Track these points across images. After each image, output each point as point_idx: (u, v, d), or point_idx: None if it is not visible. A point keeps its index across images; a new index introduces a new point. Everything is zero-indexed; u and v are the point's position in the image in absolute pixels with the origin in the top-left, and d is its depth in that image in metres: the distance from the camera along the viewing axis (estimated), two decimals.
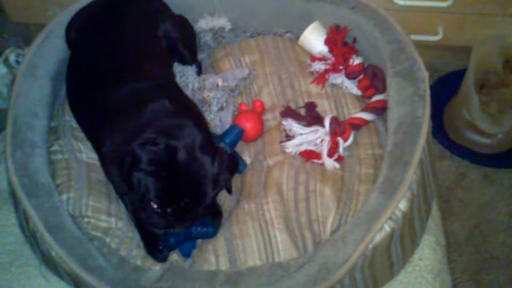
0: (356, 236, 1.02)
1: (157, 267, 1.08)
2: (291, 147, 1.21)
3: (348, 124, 1.21)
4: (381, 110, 1.25)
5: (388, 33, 1.27)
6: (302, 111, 1.27)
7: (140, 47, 1.23)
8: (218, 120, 1.27)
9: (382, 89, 1.27)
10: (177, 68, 1.34)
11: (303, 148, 1.20)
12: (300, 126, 1.22)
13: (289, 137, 1.23)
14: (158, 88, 1.15)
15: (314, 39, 1.35)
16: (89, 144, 1.22)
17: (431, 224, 1.19)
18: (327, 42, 1.34)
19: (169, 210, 0.98)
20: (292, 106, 1.29)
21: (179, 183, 0.98)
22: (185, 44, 1.33)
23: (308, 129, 1.21)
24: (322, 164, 1.18)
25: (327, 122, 1.21)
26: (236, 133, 1.22)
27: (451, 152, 1.72)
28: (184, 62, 1.35)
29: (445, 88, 1.77)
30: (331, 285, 1.00)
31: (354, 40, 1.34)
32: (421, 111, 1.14)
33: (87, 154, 1.21)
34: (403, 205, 1.05)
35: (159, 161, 0.97)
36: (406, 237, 1.09)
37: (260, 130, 1.26)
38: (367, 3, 1.33)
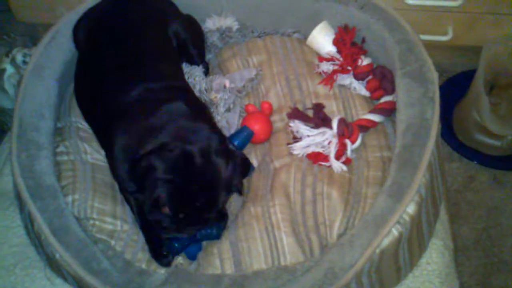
0: (364, 240, 1.01)
1: (162, 271, 1.08)
2: (298, 149, 1.20)
3: (356, 126, 1.20)
4: (389, 111, 1.24)
5: (397, 33, 1.26)
6: (310, 113, 1.26)
7: (152, 46, 1.23)
8: (225, 121, 1.26)
9: (391, 90, 1.26)
10: (185, 68, 1.34)
11: (310, 150, 1.20)
12: (308, 127, 1.22)
13: (296, 139, 1.22)
14: (172, 88, 1.15)
15: (322, 39, 1.34)
16: (94, 145, 1.21)
17: (439, 227, 1.18)
18: (336, 42, 1.33)
19: (181, 215, 0.98)
20: (300, 107, 1.28)
21: (192, 189, 0.98)
22: (194, 44, 1.33)
23: (315, 131, 1.21)
24: (329, 166, 1.17)
25: (335, 124, 1.20)
26: (245, 135, 1.22)
27: (460, 154, 1.71)
28: (192, 62, 1.34)
29: (454, 89, 1.76)
30: None
31: (363, 41, 1.33)
32: (430, 113, 1.13)
33: (92, 155, 1.20)
34: (411, 208, 1.04)
35: (176, 168, 0.97)
36: (414, 241, 1.08)
37: (269, 132, 1.26)
38: (376, 2, 1.32)
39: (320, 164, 1.18)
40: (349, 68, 1.29)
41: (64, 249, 1.02)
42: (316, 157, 1.18)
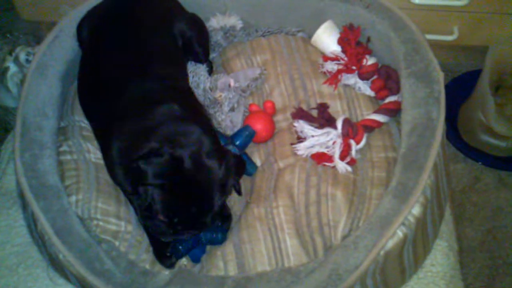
0: (368, 242, 1.00)
1: (165, 272, 1.07)
2: (303, 149, 1.19)
3: (361, 126, 1.19)
4: (394, 111, 1.23)
5: (403, 32, 1.25)
6: (314, 112, 1.26)
7: (156, 46, 1.22)
8: (229, 121, 1.26)
9: (396, 90, 1.25)
10: (189, 67, 1.33)
11: (314, 150, 1.19)
12: (312, 127, 1.21)
13: (300, 139, 1.21)
14: (169, 89, 1.13)
15: (327, 38, 1.33)
16: (97, 144, 1.20)
17: (444, 228, 1.18)
18: (340, 41, 1.32)
19: (176, 220, 0.97)
20: (304, 107, 1.27)
21: (185, 193, 0.97)
22: (199, 42, 1.32)
23: (320, 131, 1.20)
24: (334, 167, 1.17)
25: (339, 124, 1.19)
26: (246, 135, 1.21)
27: (465, 155, 1.70)
28: (197, 60, 1.34)
29: (459, 89, 1.75)
30: None
31: (368, 40, 1.32)
32: (436, 114, 1.12)
33: (96, 154, 1.20)
34: (416, 210, 1.03)
35: (164, 173, 0.96)
36: (419, 243, 1.07)
37: (271, 131, 1.25)
38: (382, 1, 1.31)
39: (325, 165, 1.17)
40: (354, 67, 1.28)
41: (67, 249, 1.01)
42: (321, 158, 1.17)
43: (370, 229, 1.02)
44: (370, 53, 1.31)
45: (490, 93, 1.58)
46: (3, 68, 1.64)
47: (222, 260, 1.07)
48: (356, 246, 1.01)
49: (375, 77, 1.28)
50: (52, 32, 1.29)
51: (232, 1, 1.42)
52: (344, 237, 1.07)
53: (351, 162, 1.17)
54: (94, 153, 1.20)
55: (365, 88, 1.29)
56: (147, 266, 1.07)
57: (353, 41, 1.30)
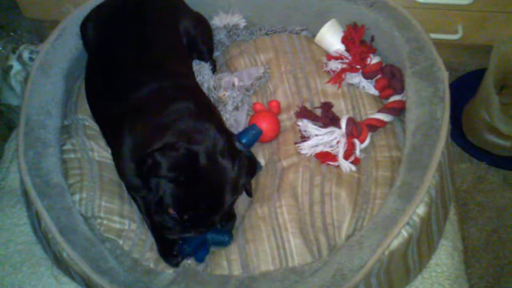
0: (373, 242, 1.00)
1: (169, 271, 1.07)
2: (307, 148, 1.19)
3: (365, 125, 1.19)
4: (398, 111, 1.22)
5: (407, 31, 1.24)
6: (318, 112, 1.25)
7: (164, 45, 1.22)
8: (234, 120, 1.25)
9: (400, 90, 1.24)
10: (194, 66, 1.33)
11: (318, 149, 1.18)
12: (316, 127, 1.21)
13: (304, 138, 1.21)
14: (182, 88, 1.14)
15: (330, 37, 1.33)
16: (101, 143, 1.21)
17: (448, 228, 1.17)
18: (344, 40, 1.31)
19: (185, 216, 0.97)
20: (308, 106, 1.27)
21: (197, 190, 0.97)
22: (204, 41, 1.33)
23: (324, 130, 1.19)
24: (338, 166, 1.16)
25: (343, 123, 1.18)
26: (253, 134, 1.20)
27: (469, 154, 1.70)
28: (201, 58, 1.34)
29: (463, 89, 1.74)
30: None
31: (372, 39, 1.31)
32: (441, 113, 1.12)
33: (99, 152, 1.20)
34: (421, 210, 1.02)
35: (179, 167, 0.96)
36: (423, 243, 1.07)
37: (277, 131, 1.25)
38: (386, 0, 1.30)
39: (329, 164, 1.17)
40: (358, 66, 1.28)
41: (71, 248, 1.01)
42: (324, 157, 1.17)
43: (375, 228, 1.01)
44: (374, 52, 1.31)
45: (495, 92, 1.57)
46: (7, 66, 1.64)
47: (226, 260, 1.06)
48: (361, 246, 1.00)
49: (379, 76, 1.28)
50: (55, 30, 1.29)
51: None
52: (349, 237, 1.07)
53: (355, 162, 1.17)
54: (98, 152, 1.20)
55: (369, 87, 1.29)
56: (151, 265, 1.07)
57: (357, 40, 1.29)
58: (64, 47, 1.27)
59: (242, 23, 1.42)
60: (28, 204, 1.11)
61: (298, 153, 1.20)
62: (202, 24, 1.35)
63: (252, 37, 1.42)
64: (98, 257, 1.02)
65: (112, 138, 1.15)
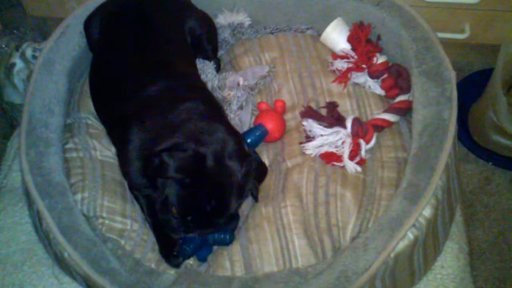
0: (378, 244, 0.99)
1: (171, 271, 1.06)
2: (311, 148, 1.18)
3: (370, 125, 1.18)
4: (405, 111, 1.22)
5: (414, 30, 1.23)
6: (323, 111, 1.24)
7: (170, 43, 1.21)
8: (238, 119, 1.25)
9: (407, 89, 1.23)
10: (197, 65, 1.32)
11: (323, 150, 1.17)
12: (321, 127, 1.20)
13: (309, 138, 1.20)
14: (191, 87, 1.13)
15: (336, 36, 1.32)
16: (104, 142, 1.20)
17: (454, 230, 1.16)
18: (350, 39, 1.31)
19: (189, 217, 0.97)
20: (313, 105, 1.26)
21: (203, 192, 0.96)
22: (208, 39, 1.32)
23: (329, 130, 1.18)
24: (343, 167, 1.15)
25: (349, 123, 1.18)
26: (259, 134, 1.20)
27: (476, 155, 1.69)
28: (206, 57, 1.33)
29: (470, 89, 1.74)
30: None
31: (378, 38, 1.30)
32: (448, 114, 1.10)
33: (102, 151, 1.19)
34: (427, 212, 1.01)
35: (186, 168, 0.95)
36: (429, 245, 1.06)
37: (283, 131, 1.24)
38: None
39: (334, 165, 1.16)
40: (364, 66, 1.27)
41: (72, 248, 1.00)
42: (330, 157, 1.16)
43: (380, 230, 1.00)
44: (380, 51, 1.30)
45: (502, 92, 1.57)
46: (10, 64, 1.64)
47: (229, 260, 1.06)
48: (366, 248, 0.99)
49: (385, 75, 1.27)
50: (58, 28, 1.28)
51: None
52: (353, 238, 1.06)
53: (361, 162, 1.16)
54: (100, 151, 1.19)
55: (375, 86, 1.28)
56: (153, 266, 1.07)
57: (363, 39, 1.28)
58: (67, 45, 1.27)
59: (247, 22, 1.41)
60: (30, 203, 1.11)
61: (303, 154, 1.19)
62: (207, 23, 1.34)
63: (257, 36, 1.41)
64: (100, 257, 1.01)
65: (117, 136, 1.14)
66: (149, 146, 1.01)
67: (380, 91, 1.28)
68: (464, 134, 1.70)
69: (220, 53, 1.41)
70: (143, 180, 1.05)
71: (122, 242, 1.08)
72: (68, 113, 1.24)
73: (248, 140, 1.18)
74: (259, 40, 1.39)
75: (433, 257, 1.10)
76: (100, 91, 1.20)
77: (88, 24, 1.28)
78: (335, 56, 1.32)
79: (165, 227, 1.02)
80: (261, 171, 1.09)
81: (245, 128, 1.24)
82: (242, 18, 1.40)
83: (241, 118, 1.25)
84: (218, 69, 1.36)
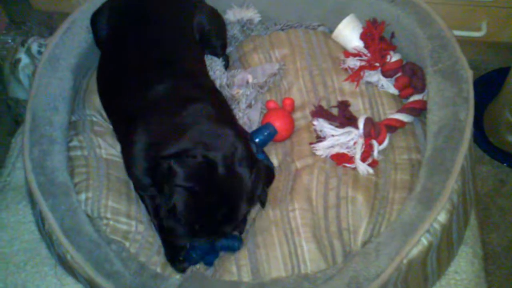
0: (391, 249, 0.97)
1: (177, 276, 1.05)
2: (322, 149, 1.16)
3: (383, 126, 1.17)
4: (419, 111, 1.20)
5: (430, 28, 1.21)
6: (335, 111, 1.23)
7: (179, 40, 1.20)
8: (247, 118, 1.23)
9: (421, 89, 1.22)
10: (206, 62, 1.30)
11: (334, 150, 1.16)
12: (332, 127, 1.18)
13: (319, 139, 1.19)
14: (200, 87, 1.11)
15: (349, 33, 1.30)
16: (109, 140, 1.18)
17: (468, 234, 1.14)
18: (363, 36, 1.29)
19: (196, 226, 0.95)
20: (324, 104, 1.24)
21: (212, 200, 0.94)
22: (218, 36, 1.31)
23: (340, 131, 1.17)
24: (354, 168, 1.14)
25: (361, 123, 1.16)
26: (268, 133, 1.18)
27: (491, 156, 1.67)
28: (214, 54, 1.32)
29: (486, 88, 1.71)
30: None
31: (392, 35, 1.29)
32: (464, 115, 1.09)
33: (107, 150, 1.17)
34: (442, 217, 0.99)
35: (196, 177, 0.94)
36: (443, 250, 1.04)
37: (291, 130, 1.22)
38: None
39: (345, 166, 1.14)
40: (377, 64, 1.25)
41: (75, 249, 0.99)
42: (341, 158, 1.15)
43: (393, 236, 0.98)
44: (394, 49, 1.28)
45: None
46: (15, 59, 1.64)
47: (236, 265, 1.04)
48: (378, 253, 0.97)
49: (399, 74, 1.26)
50: (64, 23, 1.26)
51: None
52: (365, 243, 1.05)
53: (373, 164, 1.14)
54: (105, 149, 1.17)
55: (388, 85, 1.26)
56: (158, 269, 1.05)
57: (376, 36, 1.27)
58: (73, 40, 1.25)
59: (257, 18, 1.40)
60: (33, 203, 1.10)
61: (313, 154, 1.17)
62: (216, 18, 1.32)
63: (267, 32, 1.39)
64: (103, 259, 1.00)
65: (124, 134, 1.13)
66: (156, 149, 0.99)
67: (393, 90, 1.26)
68: (479, 135, 1.68)
69: (229, 49, 1.39)
70: (147, 180, 1.04)
71: (127, 244, 1.06)
72: (73, 110, 1.23)
73: (256, 140, 1.17)
74: (269, 36, 1.38)
75: (446, 262, 1.08)
76: (107, 88, 1.19)
77: (95, 19, 1.27)
78: (347, 53, 1.30)
79: (170, 234, 1.00)
80: (269, 176, 1.07)
81: (254, 127, 1.23)
82: (251, 14, 1.39)
83: (249, 117, 1.24)
84: (226, 66, 1.35)
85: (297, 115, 1.25)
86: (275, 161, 1.20)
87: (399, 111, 1.20)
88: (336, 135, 1.16)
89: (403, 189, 1.10)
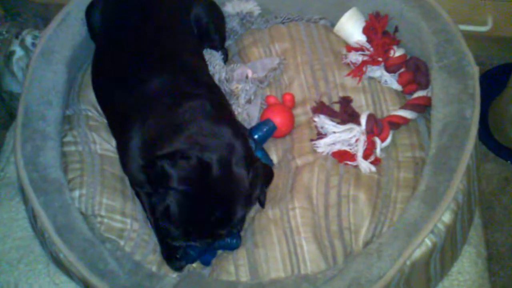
0: (393, 251, 0.96)
1: (173, 275, 1.04)
2: (323, 146, 1.15)
3: (386, 123, 1.16)
4: (423, 107, 1.19)
5: (434, 22, 1.20)
6: (336, 107, 1.22)
7: (176, 33, 1.18)
8: (246, 114, 1.22)
9: (425, 85, 1.21)
10: (204, 55, 1.28)
11: (336, 148, 1.15)
12: (334, 123, 1.17)
13: (320, 135, 1.18)
14: (197, 83, 1.09)
15: (351, 27, 1.29)
16: (104, 135, 1.17)
17: (472, 233, 1.13)
18: (366, 31, 1.28)
19: (190, 229, 0.93)
20: (325, 100, 1.23)
21: (207, 203, 0.93)
22: (216, 29, 1.29)
23: (342, 127, 1.16)
24: (356, 166, 1.13)
25: (363, 120, 1.15)
26: (267, 129, 1.17)
27: (495, 154, 1.66)
28: (213, 47, 1.30)
29: (491, 84, 1.69)
30: None
31: (396, 30, 1.28)
32: (470, 112, 1.07)
33: (102, 145, 1.16)
34: (447, 217, 0.98)
35: (190, 180, 0.92)
36: (447, 250, 1.03)
37: (291, 126, 1.21)
38: None
39: (346, 164, 1.13)
40: (380, 59, 1.24)
41: (68, 248, 0.97)
42: (342, 156, 1.14)
43: (396, 236, 0.97)
44: (397, 43, 1.27)
45: None
46: (9, 52, 1.62)
47: (234, 265, 1.03)
48: (380, 254, 0.96)
49: (402, 69, 1.25)
50: (58, 15, 1.25)
51: None
52: (366, 243, 1.04)
53: (375, 162, 1.13)
54: (100, 144, 1.16)
55: (391, 81, 1.25)
56: (154, 269, 1.04)
57: (379, 30, 1.26)
58: (67, 33, 1.24)
59: (257, 11, 1.39)
60: (25, 200, 1.08)
61: (314, 151, 1.16)
62: (214, 11, 1.31)
63: (267, 26, 1.38)
64: (97, 258, 0.98)
65: (119, 130, 1.11)
66: (151, 147, 0.98)
67: (396, 86, 1.25)
68: (484, 132, 1.67)
69: (228, 43, 1.38)
70: (142, 177, 1.02)
71: (122, 242, 1.05)
72: (67, 104, 1.21)
73: (256, 136, 1.15)
74: (269, 30, 1.36)
75: (450, 262, 1.07)
76: (102, 82, 1.17)
77: (90, 11, 1.25)
78: (350, 48, 1.29)
79: (165, 236, 0.99)
80: (268, 175, 1.06)
81: (253, 123, 1.21)
82: (251, 6, 1.38)
83: (249, 113, 1.22)
84: (225, 59, 1.34)
85: (298, 111, 1.24)
86: (274, 158, 1.19)
87: (403, 107, 1.19)
88: (338, 132, 1.15)
89: (407, 188, 1.09)
